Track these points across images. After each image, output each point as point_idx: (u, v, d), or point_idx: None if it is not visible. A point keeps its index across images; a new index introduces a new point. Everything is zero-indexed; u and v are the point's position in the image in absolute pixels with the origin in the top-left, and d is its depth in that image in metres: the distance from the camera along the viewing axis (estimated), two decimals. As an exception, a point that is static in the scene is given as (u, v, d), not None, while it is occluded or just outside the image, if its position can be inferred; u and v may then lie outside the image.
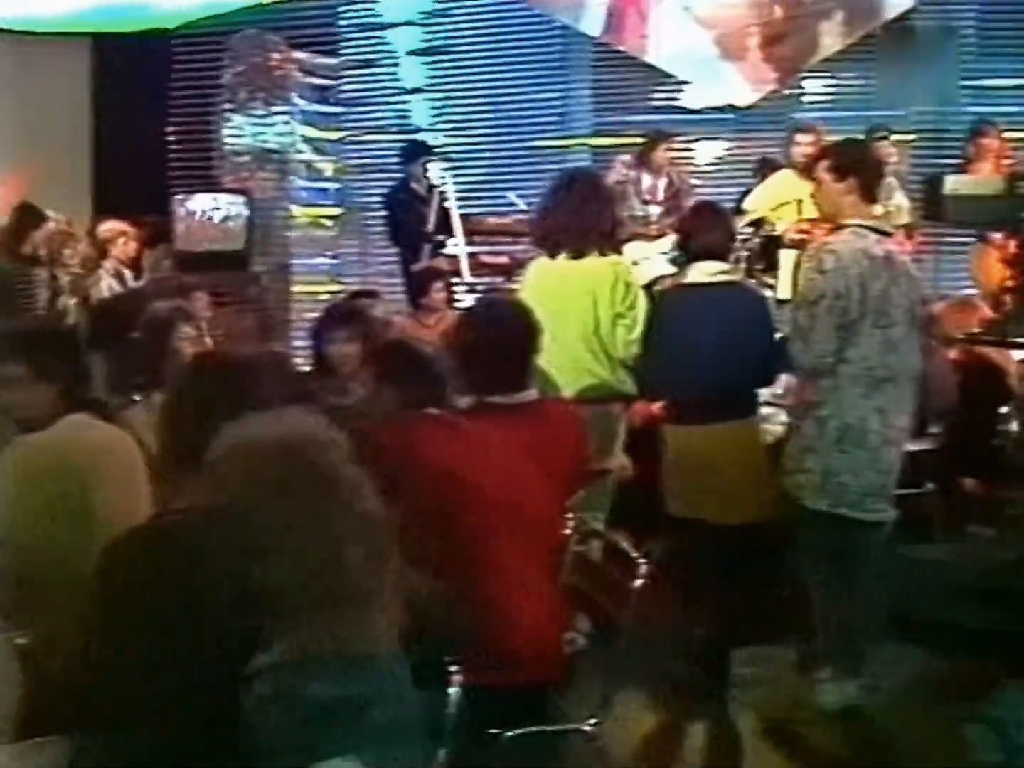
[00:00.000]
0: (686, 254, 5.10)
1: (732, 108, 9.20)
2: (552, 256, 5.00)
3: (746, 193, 7.77)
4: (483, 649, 2.78)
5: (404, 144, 9.03)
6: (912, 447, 5.79)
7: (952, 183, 5.01)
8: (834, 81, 9.36)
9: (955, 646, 4.74)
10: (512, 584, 3.01)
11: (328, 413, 4.15)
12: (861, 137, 5.47)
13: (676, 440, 4.84)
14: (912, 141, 8.84)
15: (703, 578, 4.62)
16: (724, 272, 4.95)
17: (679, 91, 9.39)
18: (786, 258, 7.07)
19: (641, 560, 2.97)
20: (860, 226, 4.31)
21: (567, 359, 4.76)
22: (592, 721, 2.86)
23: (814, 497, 4.32)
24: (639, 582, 2.92)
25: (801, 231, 7.05)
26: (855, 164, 4.41)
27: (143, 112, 10.05)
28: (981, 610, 4.85)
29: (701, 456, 4.72)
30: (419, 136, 9.56)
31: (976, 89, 8.96)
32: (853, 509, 4.31)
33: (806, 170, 7.39)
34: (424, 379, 3.32)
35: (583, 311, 4.90)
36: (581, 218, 4.99)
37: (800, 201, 7.07)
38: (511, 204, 8.19)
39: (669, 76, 9.24)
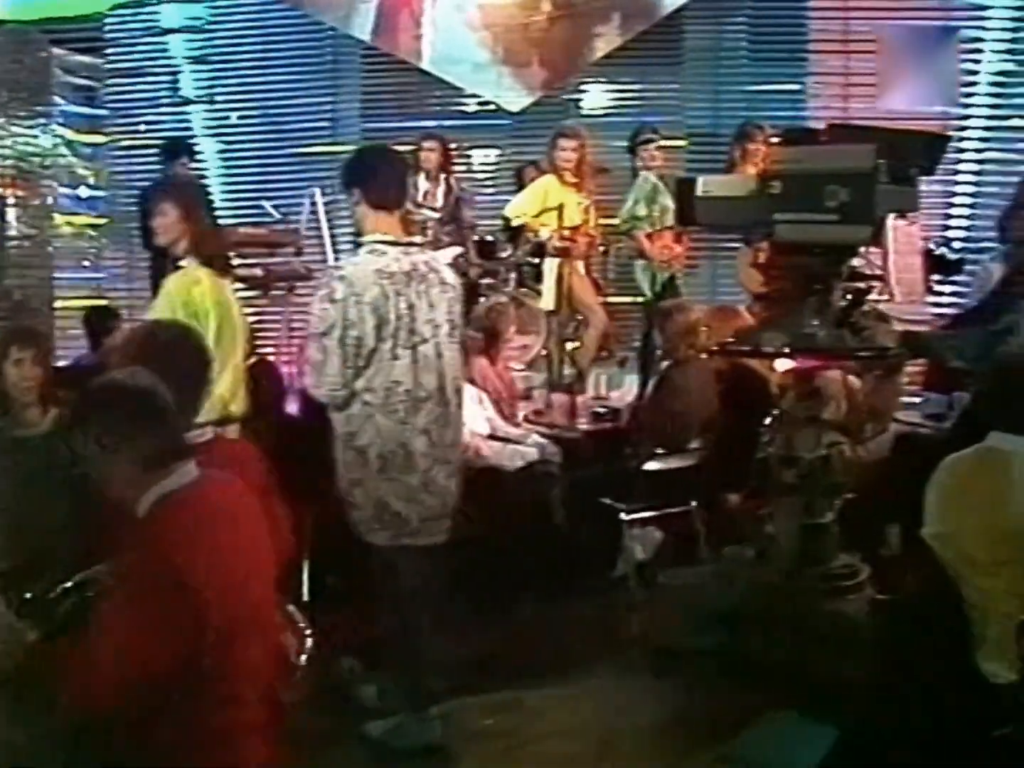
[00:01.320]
0: None
1: (505, 113, 8.96)
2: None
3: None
4: None
5: (162, 143, 8.57)
6: (673, 464, 5.66)
7: (703, 184, 4.76)
8: (609, 85, 9.21)
9: (711, 676, 4.53)
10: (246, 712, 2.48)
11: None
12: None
13: None
14: (685, 145, 8.77)
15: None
16: None
17: (452, 95, 9.11)
18: (550, 267, 6.85)
19: (308, 631, 2.61)
20: (379, 242, 4.02)
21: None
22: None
23: (372, 532, 4.04)
24: (305, 657, 2.56)
25: (564, 239, 6.86)
26: (353, 175, 4.13)
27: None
28: (737, 636, 4.64)
29: None
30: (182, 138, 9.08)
31: (750, 93, 8.92)
32: (415, 537, 4.04)
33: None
34: (167, 423, 2.53)
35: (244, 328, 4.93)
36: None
37: (562, 207, 6.89)
38: (266, 214, 7.76)
39: (441, 80, 8.95)
